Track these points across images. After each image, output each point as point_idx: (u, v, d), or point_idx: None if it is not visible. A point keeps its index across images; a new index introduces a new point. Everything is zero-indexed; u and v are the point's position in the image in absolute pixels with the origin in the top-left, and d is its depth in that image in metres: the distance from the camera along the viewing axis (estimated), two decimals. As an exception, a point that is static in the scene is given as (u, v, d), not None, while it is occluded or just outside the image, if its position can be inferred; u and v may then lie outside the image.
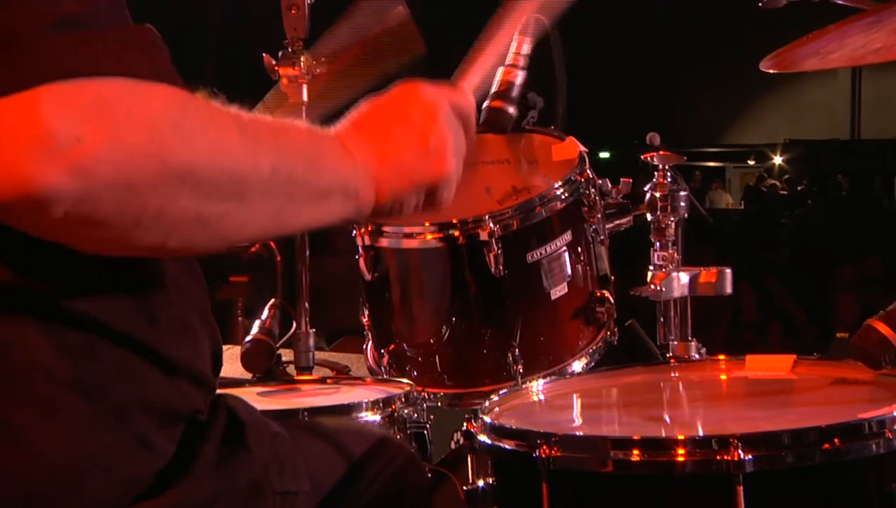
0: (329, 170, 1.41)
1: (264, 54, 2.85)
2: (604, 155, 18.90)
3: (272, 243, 3.10)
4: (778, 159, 23.42)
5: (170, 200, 1.20)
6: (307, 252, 2.85)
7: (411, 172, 1.49)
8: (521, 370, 2.48)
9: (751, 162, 24.36)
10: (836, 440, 1.70)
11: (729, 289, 2.66)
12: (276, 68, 2.84)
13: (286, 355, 2.81)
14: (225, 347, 3.19)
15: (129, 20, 1.32)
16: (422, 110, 1.53)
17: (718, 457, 1.67)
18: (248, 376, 2.75)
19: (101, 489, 1.31)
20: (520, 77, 2.74)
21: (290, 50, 2.84)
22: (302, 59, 2.82)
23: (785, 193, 20.64)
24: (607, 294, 2.62)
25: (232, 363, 2.81)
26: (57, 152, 1.13)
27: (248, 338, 2.73)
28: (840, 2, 2.12)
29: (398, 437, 2.28)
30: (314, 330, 2.85)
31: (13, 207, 1.15)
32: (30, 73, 1.15)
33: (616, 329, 2.67)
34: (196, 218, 1.24)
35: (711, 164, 23.80)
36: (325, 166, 1.41)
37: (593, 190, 2.62)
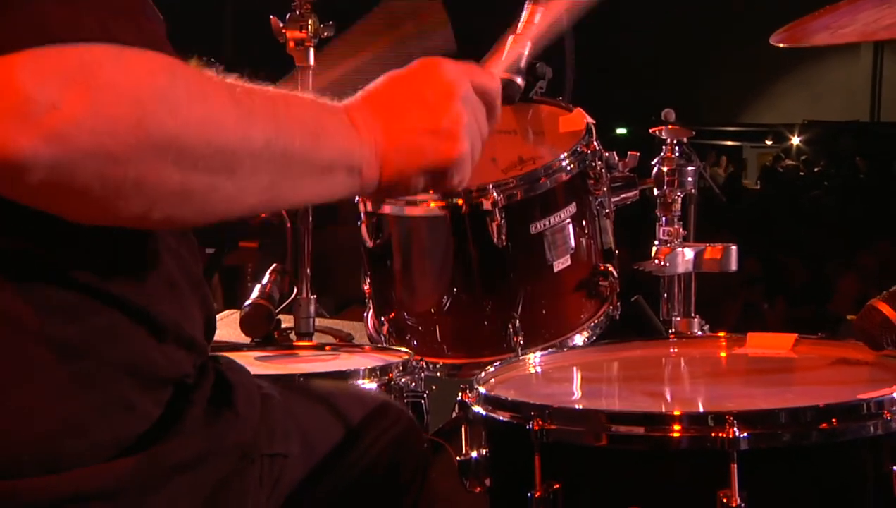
0: (331, 144, 1.38)
1: (272, 17, 2.82)
2: (621, 131, 18.86)
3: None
4: (796, 140, 23.31)
5: (152, 170, 1.17)
6: (310, 218, 2.83)
7: (419, 152, 1.46)
8: (521, 342, 2.47)
9: (768, 142, 24.26)
10: (833, 420, 1.68)
11: (734, 266, 2.64)
12: (284, 31, 2.81)
13: (286, 321, 2.79)
14: (232, 311, 3.18)
15: None
16: (438, 89, 1.49)
17: (714, 434, 1.66)
18: (247, 340, 2.74)
19: (80, 450, 1.29)
20: (528, 47, 2.71)
21: (297, 13, 2.81)
22: (309, 21, 2.79)
23: (802, 174, 20.55)
24: (611, 268, 2.60)
25: (235, 327, 2.80)
26: (32, 118, 1.10)
27: (248, 303, 2.71)
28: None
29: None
30: (315, 296, 2.83)
31: None
32: (10, 37, 1.12)
33: (619, 304, 2.65)
34: (180, 190, 1.21)
35: (728, 143, 23.71)
36: (327, 140, 1.37)
37: (599, 162, 2.60)
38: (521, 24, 2.72)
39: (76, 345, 1.29)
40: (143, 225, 1.26)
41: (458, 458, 1.98)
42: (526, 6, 2.71)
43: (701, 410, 1.89)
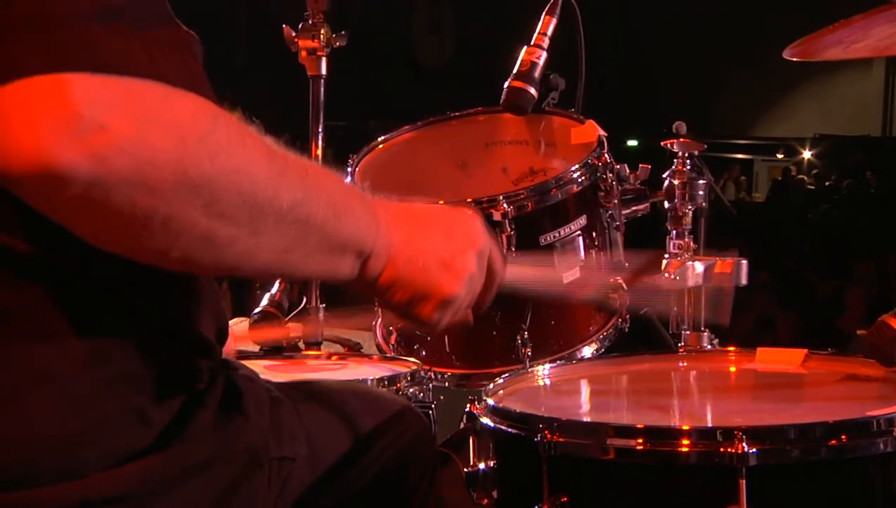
0: (351, 225, 1.40)
1: (284, 26, 2.83)
2: (632, 143, 18.87)
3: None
4: (807, 154, 23.27)
5: (181, 209, 1.19)
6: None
7: (424, 270, 1.50)
8: (529, 354, 2.46)
9: (779, 155, 24.22)
10: (842, 437, 1.67)
11: (744, 280, 2.63)
12: (296, 40, 2.82)
13: (295, 329, 2.79)
14: (240, 319, 3.19)
15: (172, 18, 1.30)
16: (466, 234, 1.55)
17: (722, 449, 1.65)
18: (256, 348, 2.74)
19: (95, 458, 1.30)
20: (542, 58, 2.72)
21: (310, 22, 2.81)
22: (322, 31, 2.79)
23: (812, 187, 20.51)
24: (621, 281, 2.59)
25: (244, 335, 2.79)
26: (80, 135, 1.13)
27: (257, 311, 2.72)
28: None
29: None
30: (324, 305, 2.83)
31: (27, 180, 1.15)
32: (61, 58, 1.15)
33: (628, 317, 2.64)
34: (203, 235, 1.23)
35: (739, 156, 23.67)
36: (347, 220, 1.40)
37: (611, 175, 2.59)
38: (534, 35, 2.74)
39: (94, 353, 1.30)
40: (160, 263, 1.26)
41: (465, 469, 1.98)
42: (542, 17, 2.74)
43: (710, 425, 1.89)
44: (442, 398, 2.57)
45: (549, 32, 2.74)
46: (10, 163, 1.14)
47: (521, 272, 1.85)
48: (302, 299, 2.83)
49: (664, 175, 2.68)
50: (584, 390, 2.22)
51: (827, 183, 20.72)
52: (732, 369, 2.29)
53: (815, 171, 22.29)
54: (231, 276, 1.36)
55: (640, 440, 1.71)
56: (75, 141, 1.13)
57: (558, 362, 2.38)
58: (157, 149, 1.16)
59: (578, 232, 2.53)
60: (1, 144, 1.14)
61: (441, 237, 1.53)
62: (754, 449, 1.64)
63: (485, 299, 1.64)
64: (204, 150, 1.19)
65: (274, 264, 1.33)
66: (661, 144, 2.72)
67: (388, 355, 2.65)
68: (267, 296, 2.77)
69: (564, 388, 2.21)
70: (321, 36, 2.81)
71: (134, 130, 1.15)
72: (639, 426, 1.74)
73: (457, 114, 2.90)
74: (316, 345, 2.82)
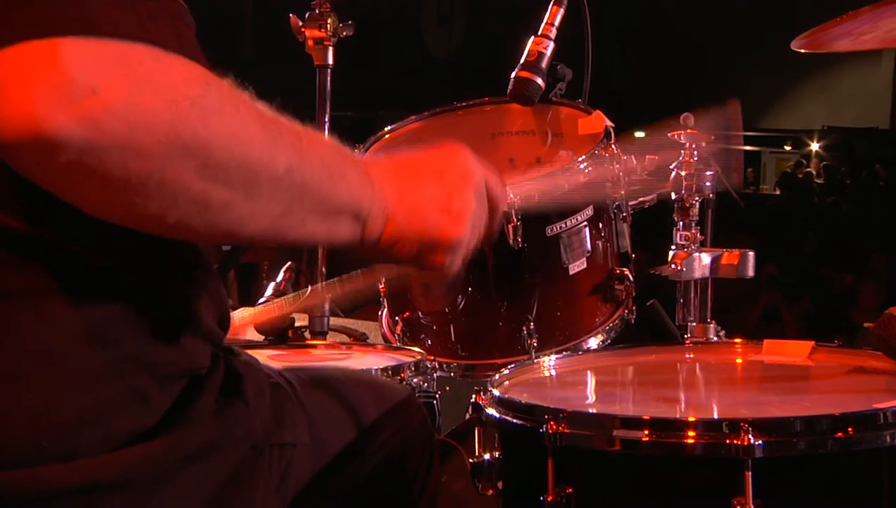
0: (345, 189, 1.40)
1: (291, 15, 2.82)
2: (639, 134, 18.82)
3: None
4: (815, 146, 23.23)
5: (175, 173, 1.19)
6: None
7: (424, 221, 1.50)
8: (535, 345, 2.46)
9: (787, 148, 24.17)
10: (849, 429, 1.66)
11: (751, 272, 2.62)
12: (303, 29, 2.81)
13: (301, 319, 2.79)
14: (246, 309, 3.19)
15: None
16: (458, 173, 1.54)
17: (728, 441, 1.64)
18: (260, 338, 2.73)
19: (95, 440, 1.30)
20: (549, 48, 2.71)
21: (317, 11, 2.80)
22: (329, 20, 2.79)
23: (820, 180, 20.48)
24: (627, 272, 2.59)
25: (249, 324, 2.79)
26: (71, 99, 1.12)
27: (262, 300, 2.71)
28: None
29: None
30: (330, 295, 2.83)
31: (19, 147, 1.15)
32: (52, 22, 1.15)
33: (634, 308, 2.64)
34: (198, 199, 1.22)
35: (747, 148, 23.63)
36: (342, 184, 1.39)
37: (618, 165, 2.58)
38: (542, 25, 2.73)
39: (95, 335, 1.30)
40: (156, 229, 1.26)
41: (470, 460, 1.97)
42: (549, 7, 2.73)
43: (716, 417, 1.88)
44: (447, 388, 2.57)
45: (557, 23, 2.73)
46: (3, 128, 1.13)
47: (527, 189, 1.83)
48: (307, 289, 2.83)
49: (671, 166, 2.67)
50: (590, 381, 2.22)
51: (836, 175, 20.69)
52: (739, 361, 2.28)
53: (823, 163, 22.24)
54: (231, 244, 1.35)
55: (646, 432, 1.70)
56: (67, 105, 1.12)
57: (564, 353, 2.38)
58: (150, 112, 1.16)
59: (585, 223, 2.52)
60: None
61: (434, 183, 1.51)
62: (760, 441, 1.63)
63: (493, 228, 1.63)
64: (196, 113, 1.19)
65: (270, 229, 1.32)
66: (669, 135, 2.71)
67: (393, 344, 2.65)
68: (272, 285, 2.77)
69: (570, 379, 2.21)
70: (328, 25, 2.81)
71: (126, 94, 1.15)
72: (645, 417, 1.73)
73: (463, 104, 2.89)
74: (321, 335, 2.82)
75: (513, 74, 2.68)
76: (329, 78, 2.85)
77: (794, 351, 2.21)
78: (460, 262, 1.55)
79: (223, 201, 1.24)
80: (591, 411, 1.94)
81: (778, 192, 20.68)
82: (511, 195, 2.05)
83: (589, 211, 2.52)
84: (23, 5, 1.15)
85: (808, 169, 21.56)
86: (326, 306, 2.81)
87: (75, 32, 1.14)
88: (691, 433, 1.68)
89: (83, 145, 1.14)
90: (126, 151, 1.16)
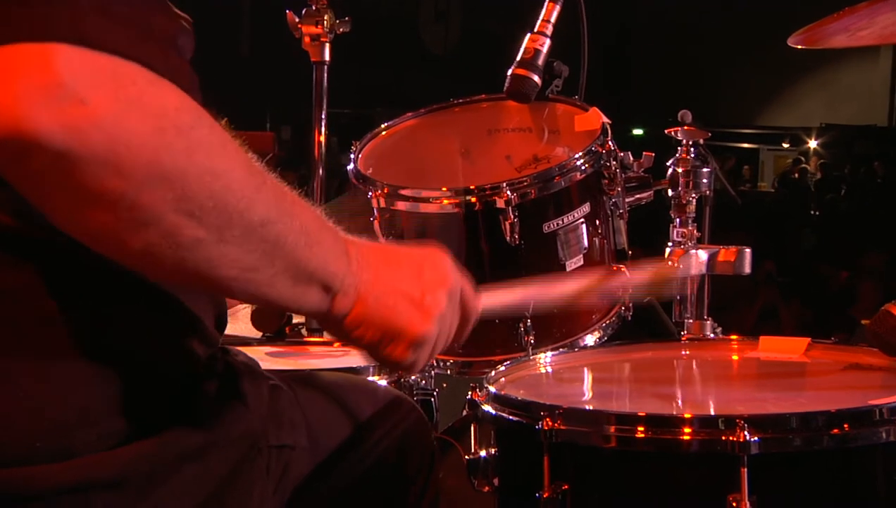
0: (320, 257, 1.37)
1: (288, 12, 2.82)
2: (637, 131, 18.84)
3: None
4: (813, 143, 23.23)
5: (150, 198, 1.17)
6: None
7: (393, 310, 1.47)
8: (532, 342, 2.45)
9: (785, 145, 24.17)
10: (845, 426, 1.67)
11: (748, 269, 2.62)
12: (300, 26, 2.81)
13: (298, 316, 2.79)
14: (243, 306, 3.18)
15: (165, 6, 1.29)
16: (435, 273, 1.53)
17: (724, 437, 1.65)
18: (258, 335, 2.73)
19: (91, 439, 1.30)
20: (546, 45, 2.71)
21: (313, 8, 2.80)
22: (325, 17, 2.79)
23: (818, 178, 20.49)
24: (623, 268, 2.59)
25: (246, 321, 2.79)
26: (57, 103, 1.11)
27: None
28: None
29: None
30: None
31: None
32: (47, 27, 1.13)
33: (631, 305, 2.63)
34: (168, 231, 1.19)
35: (745, 145, 23.64)
36: (318, 252, 1.37)
37: (614, 162, 2.58)
38: (538, 22, 2.73)
39: (90, 333, 1.30)
40: (117, 254, 1.23)
41: (466, 457, 1.98)
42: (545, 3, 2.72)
43: (712, 413, 1.88)
44: (444, 385, 2.57)
45: (553, 20, 2.73)
46: None
47: (498, 300, 1.83)
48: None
49: (668, 163, 2.68)
50: (587, 378, 2.22)
51: (835, 173, 20.69)
52: (735, 357, 2.29)
53: (822, 161, 22.25)
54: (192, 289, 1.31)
55: (642, 429, 1.71)
56: (51, 108, 1.11)
57: (561, 349, 2.38)
58: (135, 132, 1.14)
59: (582, 220, 2.51)
60: None
61: (410, 277, 1.50)
62: (756, 438, 1.63)
63: (461, 336, 1.62)
64: (182, 143, 1.17)
65: (237, 280, 1.28)
66: (666, 132, 2.71)
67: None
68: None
69: (566, 376, 2.21)
70: (324, 22, 2.81)
71: (114, 110, 1.13)
72: (641, 414, 1.73)
73: (460, 101, 2.89)
74: (318, 331, 2.82)
75: (509, 71, 2.68)
76: (326, 74, 2.85)
77: (790, 348, 2.21)
78: (424, 361, 1.53)
79: (193, 238, 1.21)
80: (587, 407, 1.95)
81: (775, 190, 20.68)
82: None
83: (586, 208, 2.52)
84: (16, 9, 1.14)
85: (804, 166, 21.56)
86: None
87: (66, 38, 1.13)
88: (687, 430, 1.69)
89: (61, 151, 1.12)
90: (103, 167, 1.14)
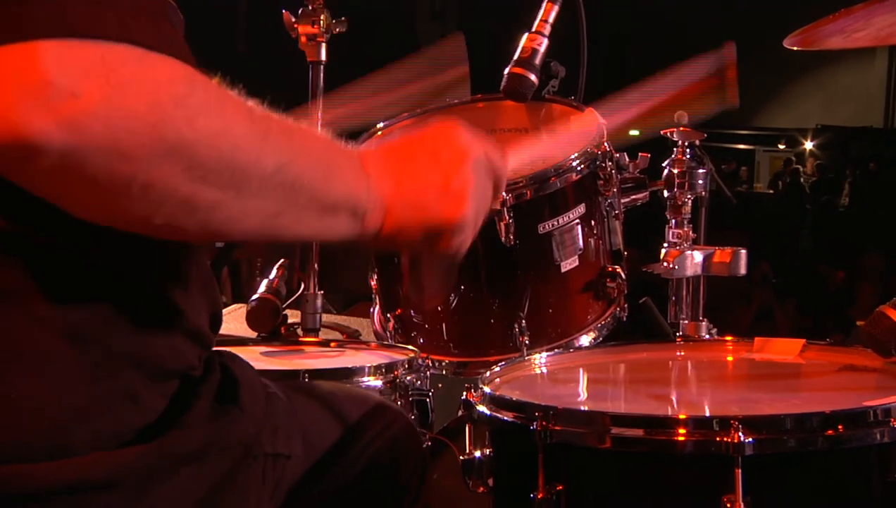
0: (340, 184, 1.37)
1: (284, 11, 2.82)
2: (633, 132, 18.83)
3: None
4: (809, 145, 23.24)
5: (161, 175, 1.17)
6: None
7: (424, 208, 1.46)
8: (527, 342, 2.46)
9: (781, 146, 24.19)
10: (839, 427, 1.67)
11: (743, 270, 2.62)
12: (296, 26, 2.81)
13: (293, 316, 2.79)
14: (239, 305, 3.18)
15: None
16: (453, 152, 1.49)
17: (718, 438, 1.65)
18: (253, 334, 2.73)
19: (86, 439, 1.30)
20: (543, 45, 2.71)
21: (309, 8, 2.80)
22: (322, 17, 2.78)
23: (814, 179, 20.50)
24: (619, 270, 2.59)
25: (242, 321, 2.79)
26: (51, 102, 1.11)
27: (255, 297, 2.71)
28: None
29: (398, 403, 2.27)
30: (322, 292, 2.83)
31: (1, 152, 1.13)
32: (31, 25, 1.13)
33: (626, 305, 2.64)
34: (186, 201, 1.20)
35: (741, 146, 23.65)
36: (336, 180, 1.37)
37: (610, 163, 2.58)
38: (535, 22, 2.73)
39: (84, 333, 1.29)
40: (146, 230, 1.25)
41: (461, 457, 1.98)
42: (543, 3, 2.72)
43: (706, 414, 1.88)
44: (440, 385, 2.57)
45: (551, 20, 2.73)
46: None
47: (525, 154, 1.80)
48: (300, 286, 2.83)
49: (664, 164, 2.68)
50: (582, 378, 2.22)
51: (830, 174, 20.71)
52: (730, 358, 2.29)
53: (818, 162, 22.26)
54: (225, 242, 1.32)
55: (637, 430, 1.70)
56: (46, 109, 1.11)
57: (556, 350, 2.38)
58: (132, 114, 1.14)
59: (577, 221, 2.52)
60: None
61: (429, 165, 1.47)
62: (751, 439, 1.63)
63: (499, 197, 1.60)
64: (181, 113, 1.17)
65: (264, 227, 1.30)
66: (661, 133, 2.71)
67: (385, 342, 2.65)
68: (265, 282, 2.77)
69: (561, 376, 2.21)
70: (321, 22, 2.80)
71: (107, 96, 1.13)
72: (635, 415, 1.74)
73: (456, 101, 2.89)
74: (314, 332, 2.82)
75: (506, 71, 2.68)
76: (322, 75, 2.85)
77: (785, 349, 2.21)
78: (470, 239, 1.51)
79: (212, 201, 1.22)
80: (581, 408, 1.95)
81: (771, 191, 20.70)
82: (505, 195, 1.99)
83: (581, 209, 2.52)
84: (2, 5, 1.13)
85: (796, 166, 21.57)
86: (319, 304, 2.81)
87: (52, 33, 1.13)
88: (682, 431, 1.68)
89: (65, 149, 1.12)
90: (109, 155, 1.14)
